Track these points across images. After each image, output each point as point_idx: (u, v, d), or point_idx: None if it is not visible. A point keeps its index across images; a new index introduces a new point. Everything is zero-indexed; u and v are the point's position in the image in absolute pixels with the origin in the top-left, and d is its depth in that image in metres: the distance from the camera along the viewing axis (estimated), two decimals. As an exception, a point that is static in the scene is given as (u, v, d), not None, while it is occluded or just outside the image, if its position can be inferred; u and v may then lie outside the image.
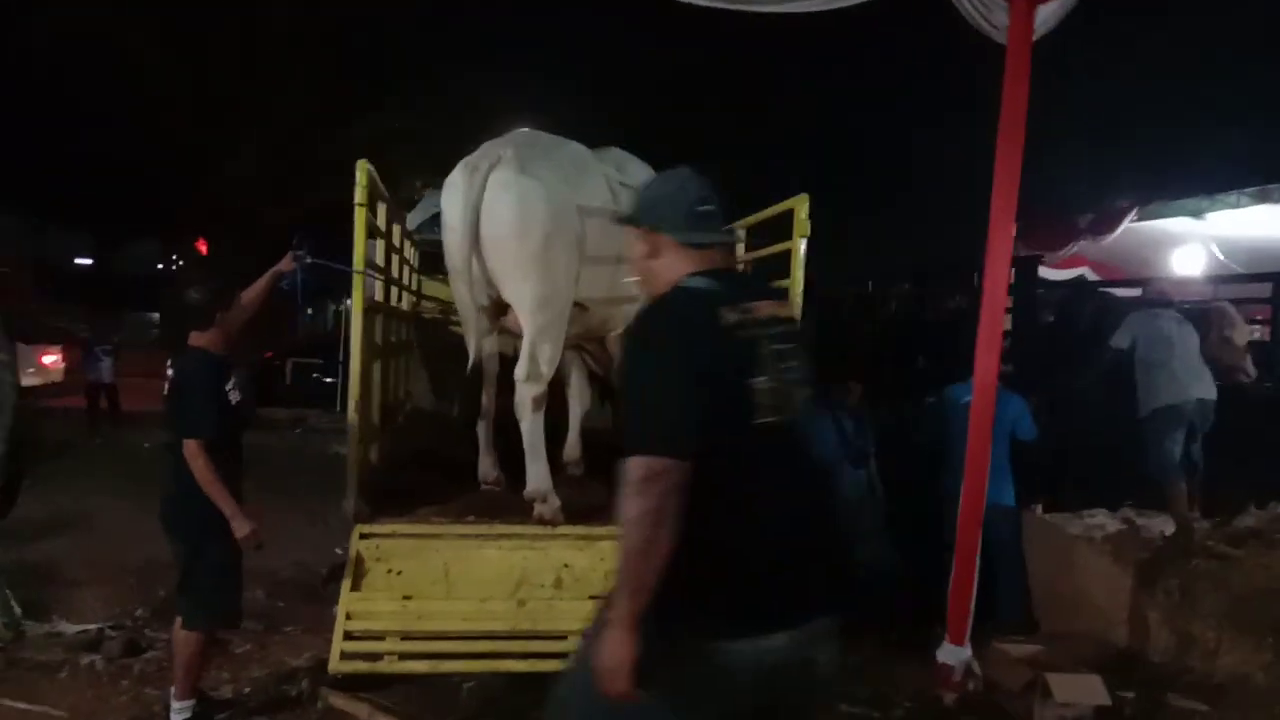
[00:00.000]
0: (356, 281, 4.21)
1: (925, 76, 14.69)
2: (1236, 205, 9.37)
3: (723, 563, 1.95)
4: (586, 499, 4.74)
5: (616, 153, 5.50)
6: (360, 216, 4.18)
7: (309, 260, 4.13)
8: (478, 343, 4.54)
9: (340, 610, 3.86)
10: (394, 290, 6.14)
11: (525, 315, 4.31)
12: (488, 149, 4.28)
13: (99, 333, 15.21)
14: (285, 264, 4.13)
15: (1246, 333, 7.42)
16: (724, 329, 1.97)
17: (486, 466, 4.81)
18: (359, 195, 4.15)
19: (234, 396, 3.72)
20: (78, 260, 29.24)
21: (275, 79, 14.60)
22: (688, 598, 1.89)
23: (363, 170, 4.16)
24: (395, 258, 6.55)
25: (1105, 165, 13.21)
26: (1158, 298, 6.84)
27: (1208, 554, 5.36)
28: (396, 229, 6.23)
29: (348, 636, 3.78)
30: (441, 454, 5.31)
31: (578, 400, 5.63)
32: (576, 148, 4.71)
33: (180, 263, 26.31)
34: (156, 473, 3.96)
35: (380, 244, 5.28)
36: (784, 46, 14.98)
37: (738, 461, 1.96)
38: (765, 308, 2.06)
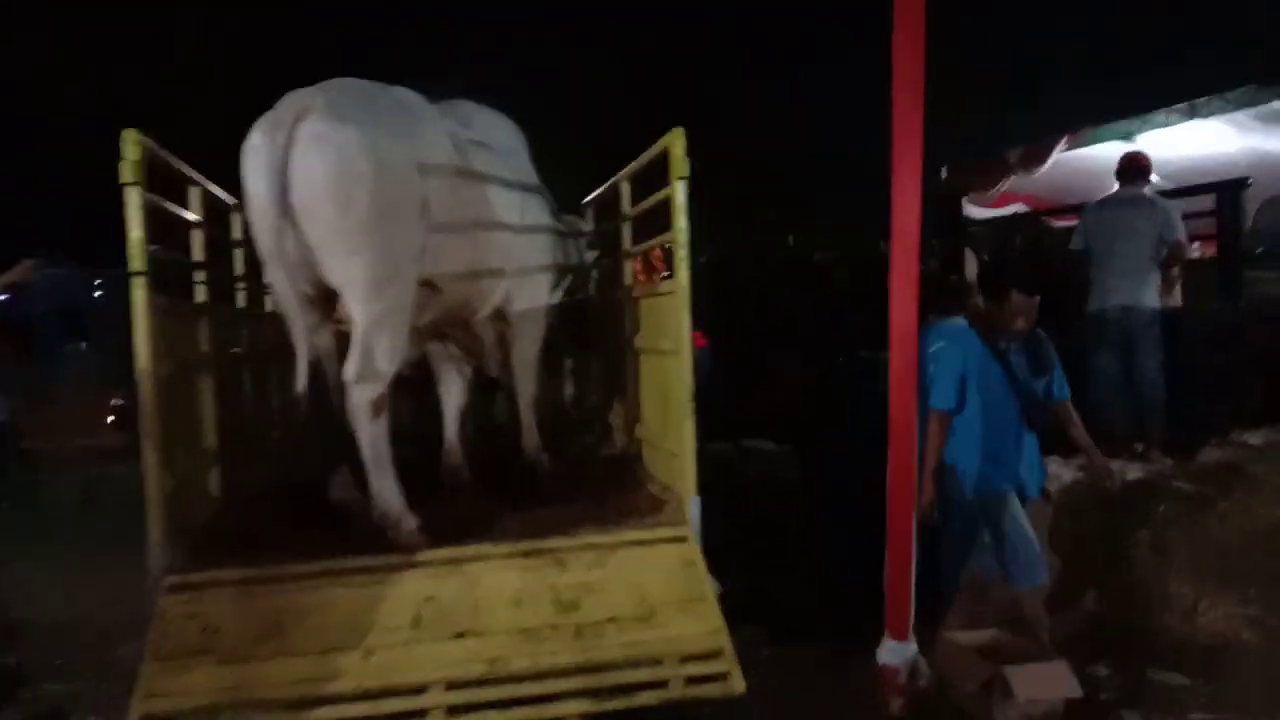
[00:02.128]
0: (136, 286, 3.41)
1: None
2: (1166, 124, 8.92)
3: None
4: (459, 513, 4.03)
5: (465, 105, 4.76)
6: (133, 200, 3.39)
7: (57, 270, 3.32)
8: (307, 341, 3.77)
9: (139, 688, 3.09)
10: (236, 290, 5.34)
11: (356, 301, 3.55)
12: (292, 99, 3.47)
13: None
14: (18, 273, 3.33)
15: None
16: None
17: (336, 486, 4.05)
18: (126, 172, 3.35)
19: None
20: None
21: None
22: None
23: (130, 143, 3.36)
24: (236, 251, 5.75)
25: (1029, 95, 12.72)
26: (1122, 175, 6.27)
27: (1177, 497, 4.79)
28: (239, 217, 5.42)
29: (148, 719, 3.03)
30: (298, 481, 4.50)
31: (452, 397, 4.89)
32: (405, 93, 3.93)
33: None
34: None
35: (200, 235, 4.49)
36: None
37: None
38: None
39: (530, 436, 4.94)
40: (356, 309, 3.56)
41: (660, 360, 4.27)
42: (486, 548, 3.58)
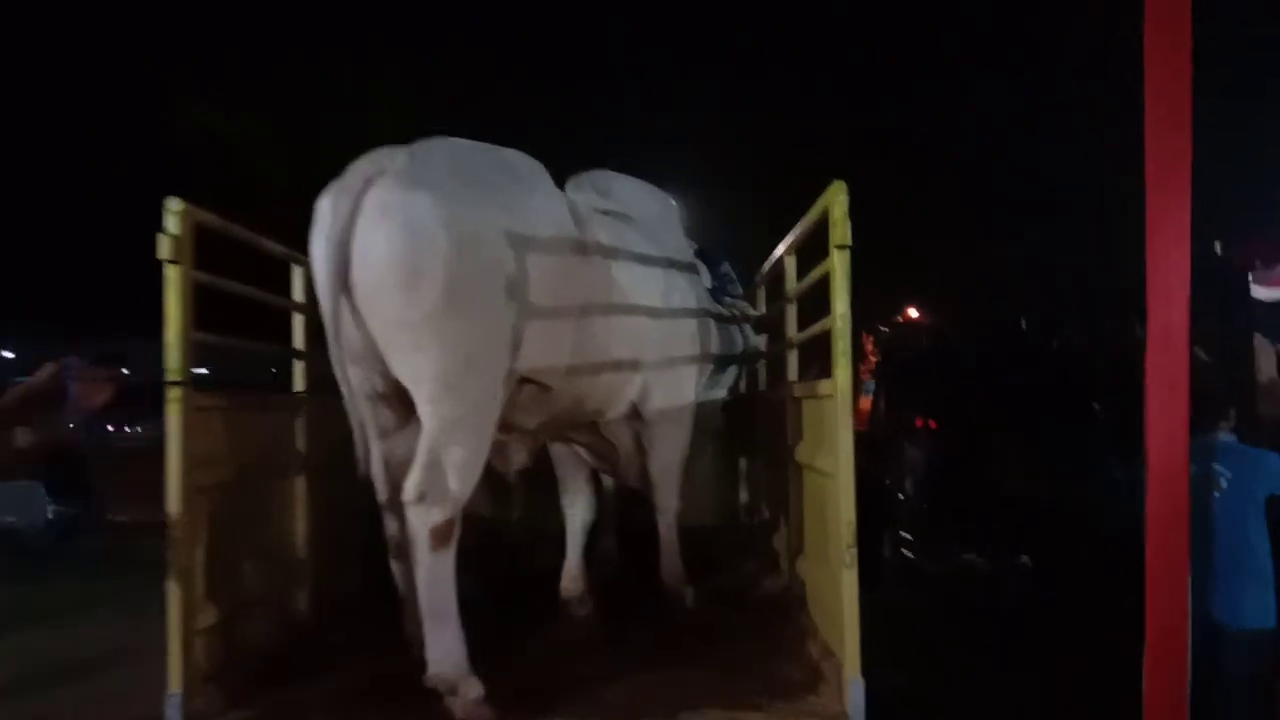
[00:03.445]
0: (172, 397, 2.87)
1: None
2: None
3: None
4: (547, 673, 3.19)
5: (604, 174, 4.17)
6: (172, 283, 2.88)
7: (76, 369, 2.85)
8: (372, 450, 3.10)
9: None
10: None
11: (422, 402, 2.87)
12: (366, 161, 2.89)
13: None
14: (45, 378, 2.89)
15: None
16: None
17: (412, 627, 3.33)
18: (164, 248, 2.86)
19: None
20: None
21: None
22: None
23: (174, 213, 2.87)
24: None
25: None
26: None
27: None
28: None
29: None
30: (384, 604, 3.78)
31: (578, 510, 4.09)
32: (515, 156, 3.28)
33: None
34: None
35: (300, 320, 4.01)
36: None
37: None
38: None
39: (670, 563, 4.06)
40: (423, 410, 2.88)
41: (820, 481, 3.29)
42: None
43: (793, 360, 4.17)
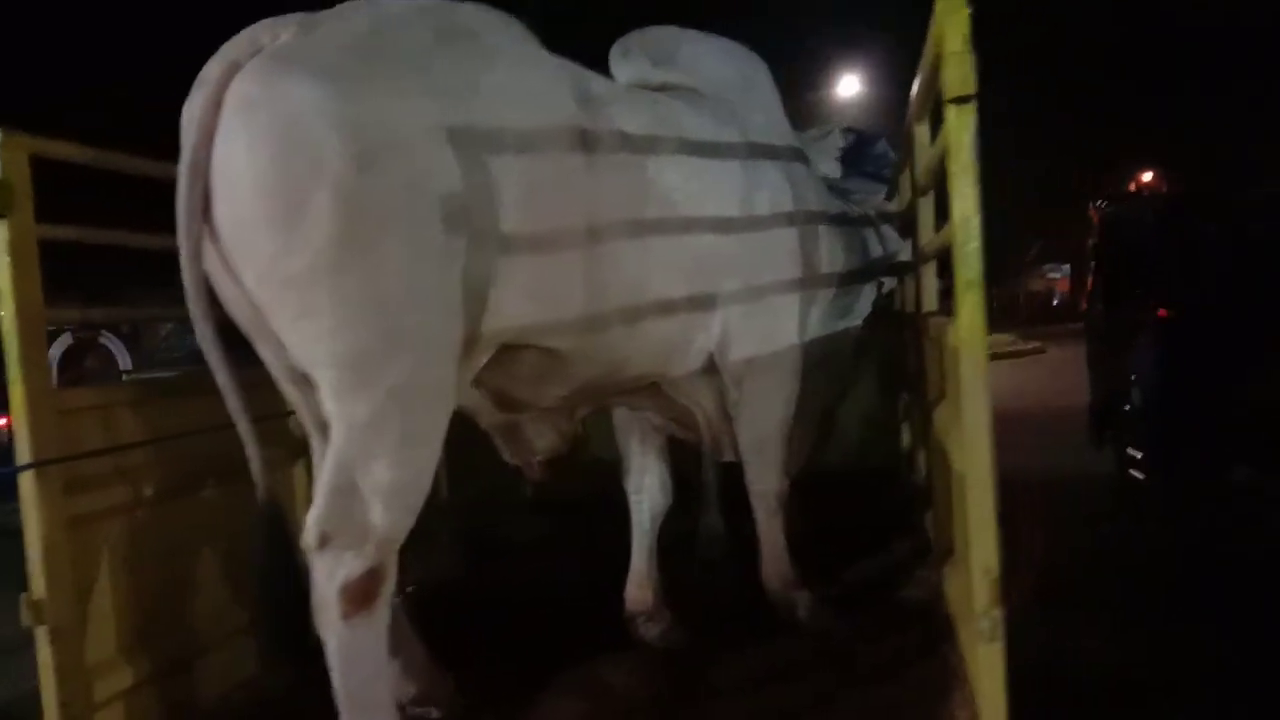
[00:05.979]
0: (15, 402, 2.10)
1: None
2: None
3: None
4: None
5: (662, 35, 3.08)
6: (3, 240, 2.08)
7: None
8: (315, 452, 2.23)
9: None
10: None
11: (325, 398, 1.93)
12: (247, 36, 1.91)
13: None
14: None
15: None
16: None
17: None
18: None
19: None
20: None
21: None
22: None
23: None
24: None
25: None
26: None
27: None
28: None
29: None
30: None
31: (645, 495, 3.08)
32: (471, 13, 2.20)
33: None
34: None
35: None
36: None
37: None
38: None
39: (773, 562, 2.99)
40: (327, 409, 1.94)
41: (953, 473, 2.12)
42: None
43: (929, 278, 2.91)
